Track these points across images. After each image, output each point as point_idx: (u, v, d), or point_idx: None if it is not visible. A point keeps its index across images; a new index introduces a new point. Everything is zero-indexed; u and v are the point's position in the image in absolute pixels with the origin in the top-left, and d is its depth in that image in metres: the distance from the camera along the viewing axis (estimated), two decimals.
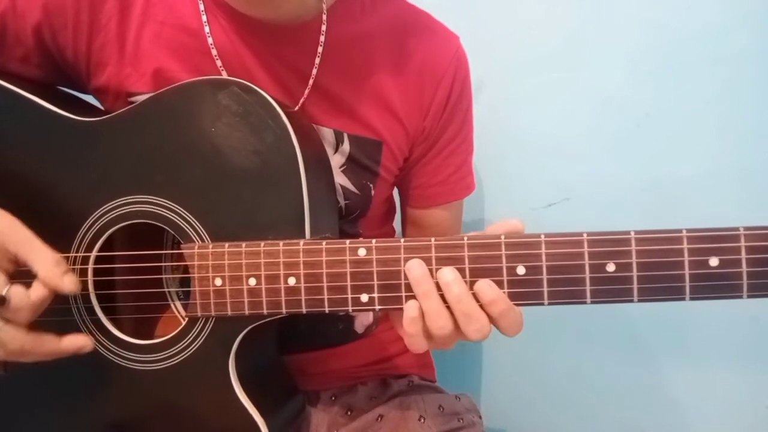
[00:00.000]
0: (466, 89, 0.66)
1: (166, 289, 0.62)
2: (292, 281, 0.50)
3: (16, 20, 0.58)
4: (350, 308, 0.50)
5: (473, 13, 0.85)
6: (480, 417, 0.69)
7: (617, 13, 0.80)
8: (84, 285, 0.56)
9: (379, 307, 0.49)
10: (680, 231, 0.44)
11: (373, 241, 0.49)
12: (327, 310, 0.50)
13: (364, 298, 0.49)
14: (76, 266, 0.56)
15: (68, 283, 0.49)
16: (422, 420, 0.63)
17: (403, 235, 0.75)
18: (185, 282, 0.63)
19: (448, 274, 0.46)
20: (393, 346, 0.72)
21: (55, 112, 0.57)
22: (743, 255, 0.43)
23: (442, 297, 0.46)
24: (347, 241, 0.49)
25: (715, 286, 0.43)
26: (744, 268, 0.43)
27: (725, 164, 0.78)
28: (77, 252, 0.56)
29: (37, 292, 0.48)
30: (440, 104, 0.63)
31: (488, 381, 0.96)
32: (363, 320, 0.71)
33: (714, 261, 0.43)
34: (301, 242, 0.50)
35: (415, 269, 0.46)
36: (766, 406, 0.80)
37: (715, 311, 0.79)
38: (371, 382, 0.70)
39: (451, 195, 0.69)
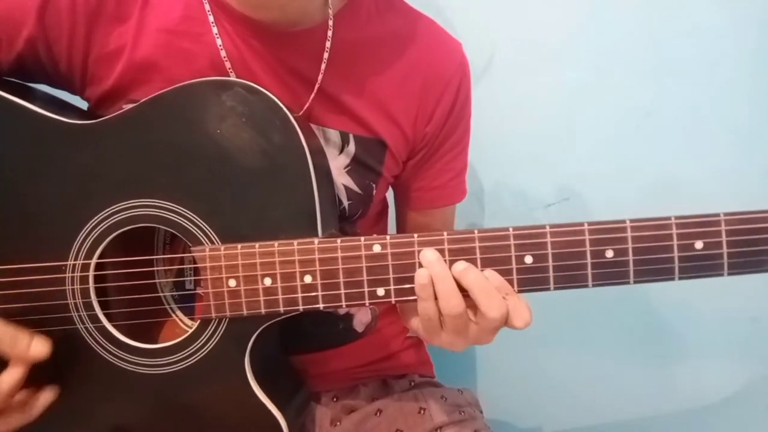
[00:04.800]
0: (469, 96, 0.67)
1: (163, 296, 0.61)
2: (308, 279, 0.52)
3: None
4: (367, 302, 0.52)
5: (473, 14, 0.84)
6: (481, 412, 0.70)
7: (617, 12, 0.79)
8: (85, 293, 0.55)
9: (396, 299, 0.51)
10: (669, 218, 0.49)
11: (388, 237, 0.51)
12: (344, 305, 0.52)
13: (381, 291, 0.51)
14: (75, 273, 0.55)
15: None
16: (422, 412, 0.65)
17: None
18: (179, 284, 0.62)
19: (461, 263, 0.49)
20: (393, 343, 0.73)
21: (49, 117, 0.55)
22: (724, 238, 0.48)
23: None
24: (362, 238, 0.51)
25: (701, 266, 0.49)
26: (725, 250, 0.48)
27: (725, 164, 0.79)
28: (76, 259, 0.55)
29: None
30: (444, 111, 0.64)
31: (487, 378, 0.96)
32: (362, 318, 0.72)
33: (699, 244, 0.49)
34: (316, 241, 0.52)
35: (429, 254, 0.49)
36: (766, 406, 0.83)
37: (714, 311, 0.80)
38: (372, 383, 0.71)
39: (449, 199, 0.71)
